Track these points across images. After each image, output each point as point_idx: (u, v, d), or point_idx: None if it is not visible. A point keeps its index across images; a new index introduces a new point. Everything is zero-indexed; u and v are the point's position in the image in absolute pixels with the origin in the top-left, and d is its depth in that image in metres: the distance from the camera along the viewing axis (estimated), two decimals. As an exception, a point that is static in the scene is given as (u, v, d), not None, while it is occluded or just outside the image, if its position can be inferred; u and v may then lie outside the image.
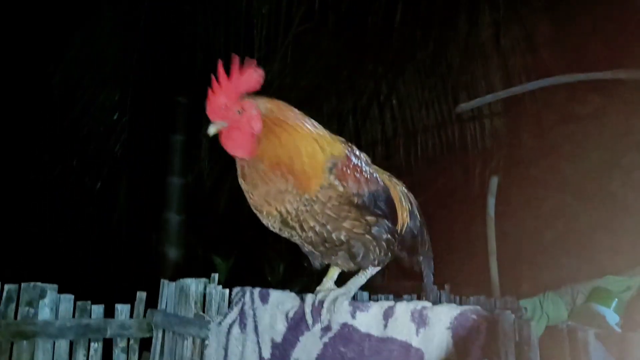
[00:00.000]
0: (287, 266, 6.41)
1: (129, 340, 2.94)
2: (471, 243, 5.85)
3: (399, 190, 2.17)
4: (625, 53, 4.94)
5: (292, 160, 1.85)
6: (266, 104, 1.91)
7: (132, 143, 5.31)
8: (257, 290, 2.38)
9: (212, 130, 1.87)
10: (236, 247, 6.12)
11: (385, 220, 2.01)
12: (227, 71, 1.85)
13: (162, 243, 5.31)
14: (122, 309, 2.92)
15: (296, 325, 2.16)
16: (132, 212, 5.04)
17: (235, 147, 1.88)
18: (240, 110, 1.87)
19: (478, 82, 5.98)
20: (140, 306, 2.99)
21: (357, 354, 1.94)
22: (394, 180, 2.22)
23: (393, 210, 2.07)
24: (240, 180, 1.94)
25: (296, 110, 1.97)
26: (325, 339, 2.04)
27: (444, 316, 1.77)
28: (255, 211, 1.96)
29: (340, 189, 1.88)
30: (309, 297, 2.14)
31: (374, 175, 2.01)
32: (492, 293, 5.48)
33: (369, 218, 1.96)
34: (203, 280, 2.77)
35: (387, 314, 1.92)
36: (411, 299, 3.17)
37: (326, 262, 2.13)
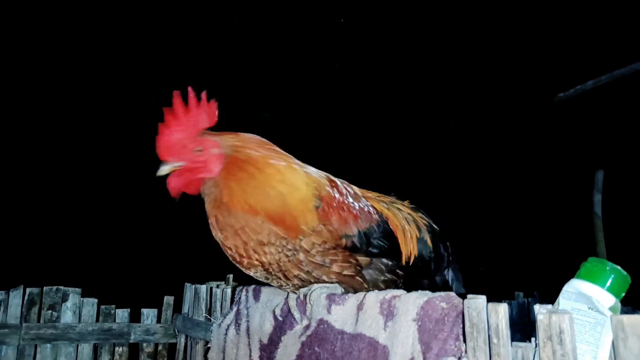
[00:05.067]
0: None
1: (157, 345, 2.87)
2: (572, 245, 5.14)
3: (401, 217, 1.87)
4: None
5: (270, 204, 1.60)
6: (230, 141, 1.67)
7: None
8: (251, 288, 2.18)
9: (164, 170, 1.62)
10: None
11: (384, 259, 1.74)
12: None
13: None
14: (148, 314, 2.87)
15: (282, 324, 1.93)
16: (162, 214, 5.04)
17: (180, 188, 1.66)
18: (199, 149, 1.63)
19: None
20: (167, 311, 2.91)
21: (330, 354, 1.66)
22: (397, 204, 1.93)
23: (394, 245, 1.78)
24: (214, 232, 1.70)
25: (269, 144, 1.73)
26: (303, 338, 1.79)
27: (411, 306, 1.44)
28: (234, 262, 1.75)
29: (325, 233, 1.63)
30: (293, 293, 1.91)
31: (365, 209, 1.74)
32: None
33: (361, 258, 1.71)
34: (219, 283, 2.63)
35: (360, 307, 1.62)
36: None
37: None
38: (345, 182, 1.82)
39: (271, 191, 1.61)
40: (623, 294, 1.15)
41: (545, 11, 5.63)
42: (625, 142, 5.71)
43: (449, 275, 2.00)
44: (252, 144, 1.69)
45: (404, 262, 1.80)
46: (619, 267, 1.16)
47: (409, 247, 1.82)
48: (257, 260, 1.67)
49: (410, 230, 1.85)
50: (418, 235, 1.86)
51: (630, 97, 5.54)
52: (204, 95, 1.65)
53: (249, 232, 1.62)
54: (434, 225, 1.93)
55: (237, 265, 1.75)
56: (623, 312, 1.09)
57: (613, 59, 5.30)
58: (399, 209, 1.90)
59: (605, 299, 1.12)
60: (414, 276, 1.86)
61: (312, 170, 1.75)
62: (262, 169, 1.63)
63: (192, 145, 1.62)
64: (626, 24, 5.38)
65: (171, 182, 1.66)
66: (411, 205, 1.95)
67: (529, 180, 5.84)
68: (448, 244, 1.95)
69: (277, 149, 1.74)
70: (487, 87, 5.86)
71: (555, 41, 5.69)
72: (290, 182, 1.63)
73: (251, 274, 1.78)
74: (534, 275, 4.77)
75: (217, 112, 1.67)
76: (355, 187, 1.83)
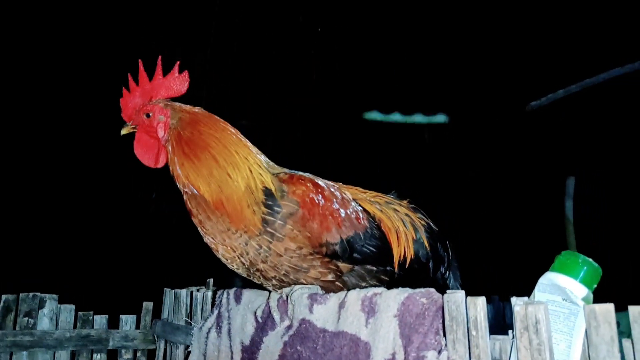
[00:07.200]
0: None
1: (135, 352, 2.85)
2: (545, 250, 5.25)
3: (396, 219, 1.85)
4: None
5: (207, 187, 1.63)
6: (180, 114, 1.73)
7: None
8: (232, 291, 2.19)
9: (122, 131, 1.80)
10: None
11: (368, 265, 1.74)
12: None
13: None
14: (126, 320, 2.85)
15: (263, 324, 1.95)
16: (141, 220, 5.00)
17: (140, 153, 1.80)
18: (149, 114, 1.75)
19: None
20: (147, 316, 2.90)
21: (312, 352, 1.68)
22: (394, 205, 1.91)
23: (384, 249, 1.77)
24: (191, 215, 1.73)
25: (224, 127, 1.73)
26: (286, 338, 1.80)
27: (392, 302, 1.47)
28: (213, 250, 1.76)
29: (301, 239, 1.63)
30: (274, 293, 1.92)
31: (353, 215, 1.71)
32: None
33: (342, 265, 1.71)
34: (199, 287, 2.63)
35: (341, 305, 1.65)
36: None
37: None
38: (335, 185, 1.78)
39: (207, 175, 1.64)
40: (595, 285, 1.20)
41: (517, 21, 5.77)
42: (596, 149, 5.86)
43: (448, 277, 2.01)
44: (205, 122, 1.72)
45: (396, 265, 1.78)
46: (590, 260, 1.21)
47: (402, 250, 1.81)
48: (232, 249, 1.67)
49: (405, 232, 1.83)
50: (414, 237, 1.84)
51: (600, 106, 5.70)
52: (176, 65, 1.78)
53: (212, 215, 1.64)
54: (433, 226, 1.93)
55: (215, 253, 1.75)
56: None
57: (583, 69, 5.45)
58: (395, 209, 1.88)
59: (578, 290, 1.17)
60: (412, 277, 1.84)
61: (275, 169, 1.75)
62: (210, 152, 1.65)
63: (143, 110, 1.76)
64: (596, 35, 5.55)
65: (134, 147, 1.81)
66: (411, 205, 1.94)
67: (498, 186, 5.95)
68: (447, 243, 1.97)
69: (235, 136, 1.73)
70: (461, 94, 5.98)
71: (528, 50, 5.83)
72: (226, 172, 1.64)
73: (234, 268, 1.78)
74: (508, 280, 4.85)
75: (186, 84, 1.80)
76: (346, 190, 1.80)
